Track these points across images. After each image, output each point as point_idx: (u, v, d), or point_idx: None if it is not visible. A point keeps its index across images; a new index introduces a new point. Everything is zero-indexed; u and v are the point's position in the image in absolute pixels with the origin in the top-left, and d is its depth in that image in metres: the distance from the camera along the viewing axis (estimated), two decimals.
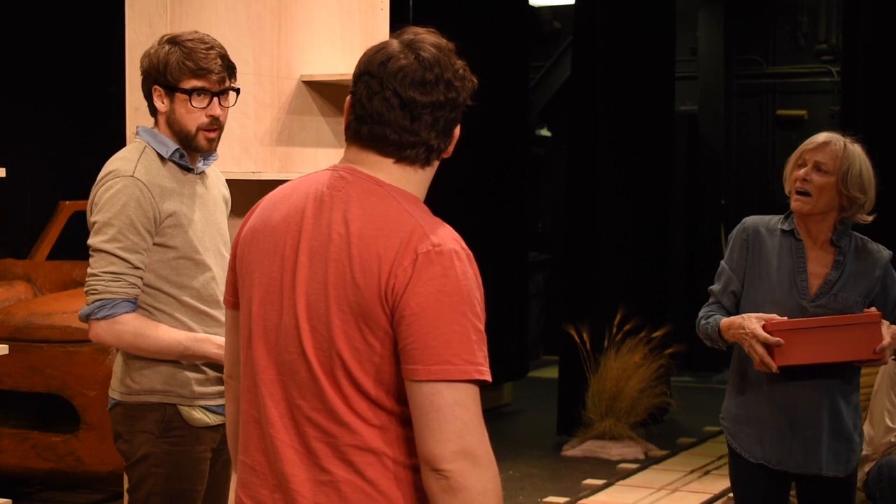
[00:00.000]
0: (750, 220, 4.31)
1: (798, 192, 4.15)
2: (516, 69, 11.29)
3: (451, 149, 2.50)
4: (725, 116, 14.06)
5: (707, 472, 8.62)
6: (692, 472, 8.62)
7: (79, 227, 7.97)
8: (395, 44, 2.45)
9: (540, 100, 14.25)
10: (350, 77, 4.82)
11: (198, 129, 3.57)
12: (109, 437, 6.55)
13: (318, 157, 4.78)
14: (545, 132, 14.46)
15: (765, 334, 4.00)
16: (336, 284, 2.34)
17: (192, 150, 3.62)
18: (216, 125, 3.59)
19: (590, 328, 9.45)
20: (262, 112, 4.58)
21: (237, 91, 3.65)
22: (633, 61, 10.22)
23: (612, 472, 8.65)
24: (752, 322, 4.04)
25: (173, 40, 3.57)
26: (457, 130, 2.49)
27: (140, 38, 4.25)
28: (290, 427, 2.39)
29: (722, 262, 4.34)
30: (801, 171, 4.15)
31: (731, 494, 7.94)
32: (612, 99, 10.09)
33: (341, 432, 2.35)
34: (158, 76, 3.56)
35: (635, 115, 10.32)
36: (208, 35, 3.61)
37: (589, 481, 8.32)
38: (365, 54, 2.49)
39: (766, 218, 4.30)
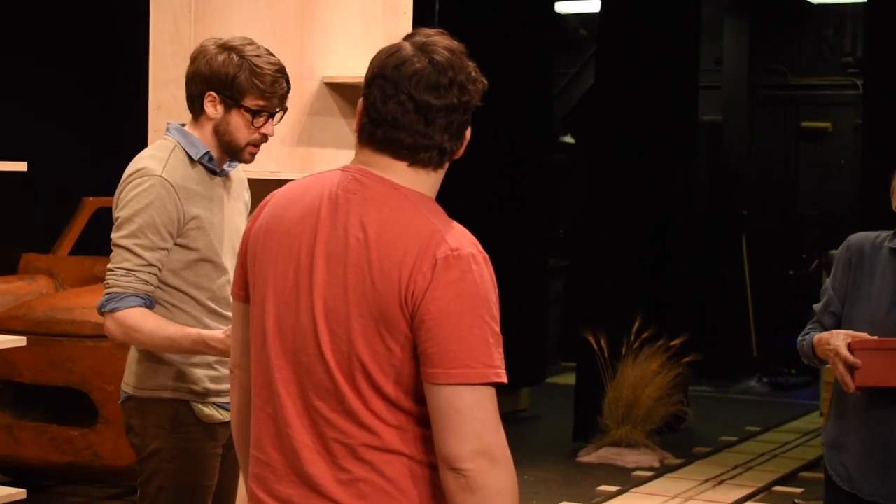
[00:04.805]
0: (854, 237, 4.06)
1: None
2: (541, 76, 11.33)
3: (461, 151, 2.53)
4: (749, 127, 14.04)
5: (721, 482, 8.62)
6: (707, 481, 8.62)
7: (101, 224, 8.03)
8: (408, 46, 2.47)
9: (564, 107, 14.26)
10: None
11: (248, 144, 3.61)
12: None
13: (337, 158, 4.81)
14: (568, 139, 14.47)
15: (845, 353, 3.78)
16: (356, 289, 2.36)
17: (233, 160, 3.65)
18: (264, 141, 3.64)
19: (607, 335, 9.47)
20: None
21: (286, 109, 3.68)
22: (657, 70, 10.22)
23: (627, 480, 8.66)
24: (839, 339, 3.83)
25: (236, 51, 3.55)
26: (468, 132, 2.52)
27: (164, 35, 4.29)
28: (309, 427, 2.42)
29: (826, 281, 4.10)
30: None
31: None
32: (634, 107, 10.10)
33: (360, 433, 2.38)
34: (220, 85, 3.55)
35: (658, 124, 10.32)
36: (267, 49, 3.61)
37: (603, 488, 8.34)
38: (377, 57, 2.51)
39: (873, 235, 4.04)
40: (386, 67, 2.45)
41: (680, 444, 9.80)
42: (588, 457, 9.33)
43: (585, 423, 9.77)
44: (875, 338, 3.80)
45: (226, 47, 3.58)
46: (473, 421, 2.31)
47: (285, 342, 2.45)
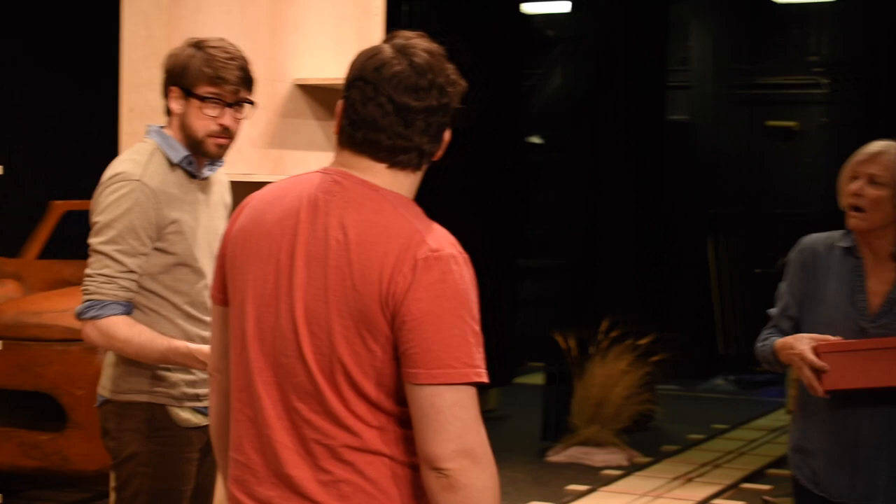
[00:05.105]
0: (807, 240, 3.99)
1: (852, 209, 3.84)
2: (509, 76, 11.34)
3: (440, 153, 2.54)
4: (716, 126, 14.11)
5: (690, 480, 8.67)
6: (675, 479, 8.67)
7: (70, 227, 8.01)
8: (388, 49, 2.48)
9: (531, 107, 14.29)
10: (342, 80, 4.87)
11: (206, 136, 3.58)
12: (96, 437, 6.55)
13: (309, 160, 4.81)
14: (536, 139, 14.49)
15: (812, 357, 3.71)
16: (336, 291, 2.37)
17: (200, 155, 3.63)
18: (226, 134, 3.60)
19: (576, 335, 9.50)
20: (256, 115, 4.59)
21: (252, 103, 3.66)
22: (626, 70, 10.27)
23: (596, 479, 8.70)
24: (803, 343, 3.75)
25: (198, 44, 3.58)
26: (447, 135, 2.53)
27: (136, 38, 4.27)
28: (289, 429, 2.42)
29: (781, 285, 4.03)
30: (855, 186, 3.85)
31: (713, 502, 8.02)
32: (603, 108, 10.15)
33: (341, 434, 2.38)
34: (177, 77, 3.57)
35: (627, 124, 10.38)
36: (234, 45, 3.62)
37: (573, 487, 8.37)
38: (357, 59, 2.51)
39: (825, 235, 3.98)
40: (366, 69, 2.45)
41: (648, 442, 9.85)
42: (557, 456, 9.35)
43: (554, 422, 9.80)
44: (841, 340, 3.75)
45: (192, 44, 3.60)
46: (455, 421, 2.32)
47: (265, 344, 2.46)
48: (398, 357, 2.36)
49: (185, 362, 3.50)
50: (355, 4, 5.01)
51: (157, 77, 3.98)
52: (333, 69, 4.90)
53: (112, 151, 4.10)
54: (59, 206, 8.20)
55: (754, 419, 11.44)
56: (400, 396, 2.38)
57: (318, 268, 2.40)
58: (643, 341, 9.51)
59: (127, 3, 4.32)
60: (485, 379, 2.37)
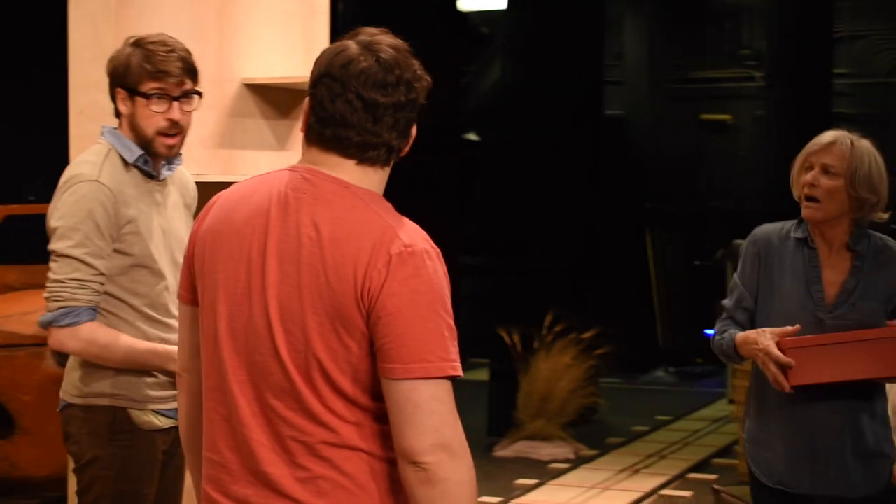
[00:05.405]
0: (760, 230, 3.97)
1: (807, 199, 3.83)
2: (446, 74, 11.35)
3: (407, 148, 2.56)
4: (652, 121, 14.22)
5: (637, 471, 8.74)
6: (622, 470, 8.73)
7: (11, 232, 7.92)
8: (354, 46, 2.48)
9: (468, 104, 14.32)
10: (291, 80, 4.86)
11: (156, 134, 3.55)
12: (46, 442, 6.54)
13: (259, 160, 4.80)
14: (473, 136, 14.52)
15: (777, 353, 3.69)
16: (310, 288, 2.37)
17: (152, 155, 3.61)
18: (176, 129, 3.57)
19: (520, 330, 9.54)
20: (205, 115, 4.58)
21: (199, 94, 3.64)
22: (562, 66, 10.32)
23: (544, 472, 8.74)
24: (766, 338, 3.73)
25: (137, 42, 3.56)
26: (413, 130, 2.55)
27: (84, 40, 4.24)
28: (265, 426, 2.42)
29: (734, 276, 4.00)
30: (809, 176, 3.83)
31: (661, 492, 8.09)
32: (540, 104, 10.18)
33: (318, 431, 2.39)
34: (120, 78, 3.55)
35: (564, 119, 10.42)
36: (173, 38, 3.60)
37: (521, 481, 8.40)
38: (323, 56, 2.51)
39: (779, 225, 3.96)
40: (333, 66, 2.45)
41: (593, 435, 9.91)
42: (504, 451, 9.39)
43: (500, 417, 9.83)
44: (805, 336, 3.73)
45: (132, 43, 3.58)
46: (432, 415, 2.34)
47: (238, 343, 2.45)
48: (374, 353, 2.37)
49: (162, 363, 3.49)
50: (301, 3, 5.01)
51: (105, 79, 3.95)
52: (280, 68, 4.89)
53: (59, 154, 4.08)
54: (1, 211, 8.12)
55: (696, 410, 11.54)
56: (376, 392, 2.39)
57: (290, 265, 2.40)
58: (587, 335, 9.56)
59: (74, 5, 4.29)
60: (460, 373, 2.39)
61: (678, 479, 8.50)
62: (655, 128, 14.27)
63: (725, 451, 9.43)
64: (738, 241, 12.52)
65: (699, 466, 8.94)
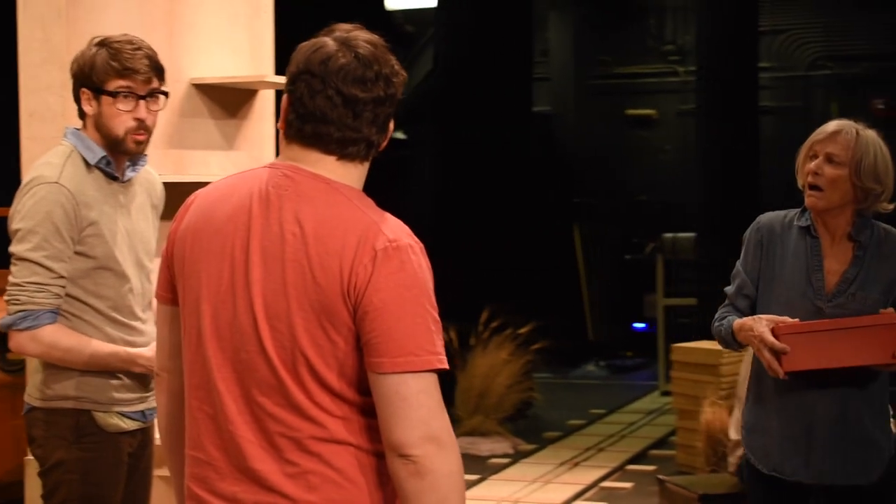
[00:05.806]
0: (764, 217, 3.97)
1: (810, 187, 3.83)
2: None
3: (385, 143, 2.57)
4: (577, 116, 14.32)
5: (576, 464, 8.80)
6: (562, 464, 8.79)
7: None
8: (331, 42, 2.49)
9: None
10: (239, 80, 4.85)
11: (126, 133, 3.53)
12: None
13: (209, 160, 4.79)
14: (400, 135, 14.55)
15: (771, 339, 3.70)
16: (296, 284, 2.38)
17: (120, 154, 3.58)
18: (143, 128, 3.56)
19: (457, 326, 9.58)
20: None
21: (166, 94, 3.63)
22: (491, 64, 10.37)
23: (484, 468, 8.77)
24: (762, 325, 3.74)
25: (102, 42, 3.54)
26: (391, 125, 2.56)
27: (33, 42, 4.22)
28: (252, 423, 2.43)
29: (737, 263, 4.00)
30: (813, 164, 3.83)
31: (602, 484, 8.16)
32: (468, 101, 10.23)
33: (306, 426, 2.40)
34: (85, 78, 3.52)
35: (493, 116, 10.47)
36: (139, 37, 3.59)
37: None
38: (300, 53, 2.51)
39: (782, 214, 3.96)
40: (311, 63, 2.46)
41: (530, 430, 9.97)
42: None
43: None
44: (797, 321, 3.74)
45: (97, 43, 3.56)
46: (420, 408, 2.36)
47: (223, 341, 2.46)
48: (360, 347, 2.38)
49: (125, 366, 3.48)
50: (247, 4, 5.00)
51: (56, 80, 3.93)
52: (227, 68, 4.89)
53: (12, 157, 4.04)
54: None
55: (629, 403, 11.65)
56: (363, 386, 2.41)
57: (275, 262, 2.41)
58: (523, 330, 9.62)
59: (22, 7, 4.27)
60: (446, 366, 2.41)
61: (618, 471, 8.58)
62: (581, 123, 14.38)
63: (662, 443, 9.54)
64: (668, 235, 12.71)
65: (637, 458, 9.04)
